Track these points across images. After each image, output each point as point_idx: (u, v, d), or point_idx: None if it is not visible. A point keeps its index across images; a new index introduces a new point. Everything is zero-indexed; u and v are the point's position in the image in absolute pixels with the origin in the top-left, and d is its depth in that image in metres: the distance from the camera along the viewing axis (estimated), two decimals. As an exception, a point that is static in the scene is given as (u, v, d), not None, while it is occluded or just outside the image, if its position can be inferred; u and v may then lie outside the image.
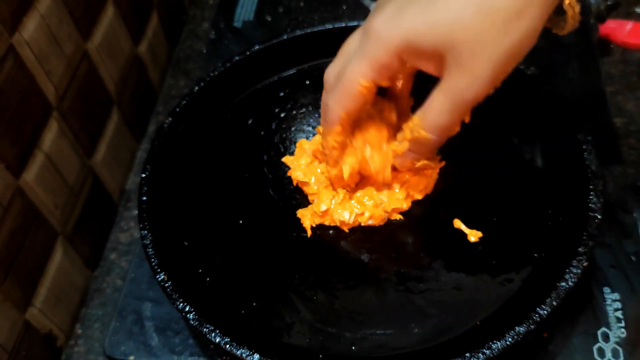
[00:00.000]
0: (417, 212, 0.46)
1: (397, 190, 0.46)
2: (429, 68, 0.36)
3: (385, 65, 0.37)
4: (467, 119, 0.38)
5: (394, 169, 0.44)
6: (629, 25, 0.62)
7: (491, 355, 0.35)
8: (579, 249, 0.39)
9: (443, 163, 0.46)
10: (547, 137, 0.48)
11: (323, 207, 0.45)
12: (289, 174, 0.49)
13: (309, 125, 0.53)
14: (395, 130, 0.44)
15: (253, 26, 0.66)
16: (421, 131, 0.38)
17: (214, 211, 0.47)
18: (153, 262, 0.41)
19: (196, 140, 0.51)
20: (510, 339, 0.36)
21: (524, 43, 0.34)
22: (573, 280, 0.38)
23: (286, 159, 0.50)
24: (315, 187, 0.47)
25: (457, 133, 0.39)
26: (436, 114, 0.37)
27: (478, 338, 0.37)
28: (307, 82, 0.55)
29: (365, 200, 0.45)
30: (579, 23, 0.34)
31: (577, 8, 0.34)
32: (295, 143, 0.51)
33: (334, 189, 0.46)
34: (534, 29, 0.33)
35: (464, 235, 0.44)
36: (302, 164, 0.49)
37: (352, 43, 0.40)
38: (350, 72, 0.38)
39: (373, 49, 0.37)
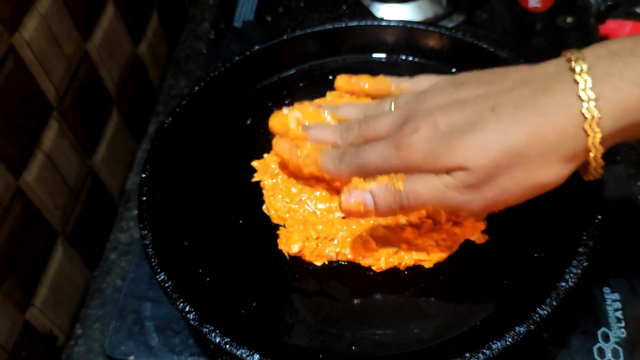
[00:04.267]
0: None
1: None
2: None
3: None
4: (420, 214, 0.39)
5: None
6: (629, 25, 0.62)
7: (491, 355, 0.35)
8: (579, 249, 0.39)
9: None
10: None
11: (295, 249, 0.44)
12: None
13: (309, 125, 0.53)
14: None
15: (253, 26, 0.66)
16: (399, 182, 0.37)
17: (214, 211, 0.47)
18: (153, 262, 0.41)
19: (196, 140, 0.51)
20: (510, 339, 0.36)
21: (542, 187, 0.35)
22: (573, 280, 0.38)
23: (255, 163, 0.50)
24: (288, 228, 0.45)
25: None
26: (424, 186, 0.36)
27: (478, 338, 0.37)
28: (307, 82, 0.55)
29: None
30: (600, 170, 0.35)
31: (601, 164, 0.34)
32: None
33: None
34: (560, 178, 0.35)
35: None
36: (270, 182, 0.48)
37: (386, 121, 0.40)
38: (364, 155, 0.39)
39: (395, 161, 0.37)
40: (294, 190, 0.46)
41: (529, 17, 0.62)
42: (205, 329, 0.38)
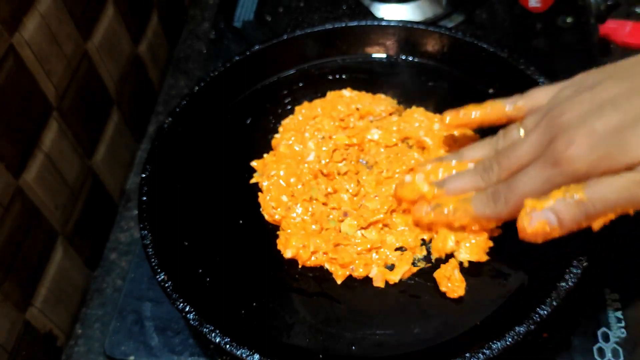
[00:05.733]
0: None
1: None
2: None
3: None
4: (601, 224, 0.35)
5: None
6: (629, 25, 0.62)
7: (491, 355, 0.35)
8: (579, 249, 0.39)
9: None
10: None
11: (288, 254, 0.43)
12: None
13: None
14: None
15: (253, 26, 0.66)
16: (580, 192, 0.34)
17: (214, 211, 0.47)
18: (153, 262, 0.41)
19: (196, 140, 0.51)
20: (510, 339, 0.36)
21: None
22: (573, 280, 0.38)
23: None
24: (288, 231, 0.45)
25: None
26: (609, 189, 0.34)
27: (478, 338, 0.37)
28: (307, 82, 0.55)
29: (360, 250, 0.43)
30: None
31: None
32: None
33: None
34: None
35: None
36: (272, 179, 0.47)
37: (526, 146, 0.38)
38: (521, 186, 0.37)
39: (558, 179, 0.35)
40: (284, 198, 0.46)
41: (529, 17, 0.62)
42: (205, 329, 0.38)
